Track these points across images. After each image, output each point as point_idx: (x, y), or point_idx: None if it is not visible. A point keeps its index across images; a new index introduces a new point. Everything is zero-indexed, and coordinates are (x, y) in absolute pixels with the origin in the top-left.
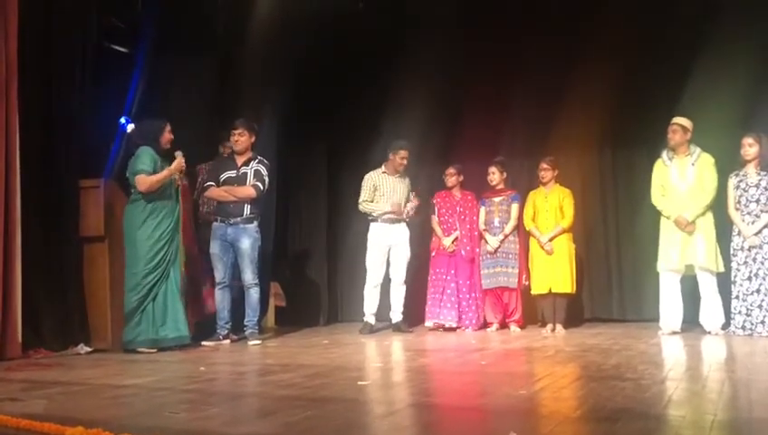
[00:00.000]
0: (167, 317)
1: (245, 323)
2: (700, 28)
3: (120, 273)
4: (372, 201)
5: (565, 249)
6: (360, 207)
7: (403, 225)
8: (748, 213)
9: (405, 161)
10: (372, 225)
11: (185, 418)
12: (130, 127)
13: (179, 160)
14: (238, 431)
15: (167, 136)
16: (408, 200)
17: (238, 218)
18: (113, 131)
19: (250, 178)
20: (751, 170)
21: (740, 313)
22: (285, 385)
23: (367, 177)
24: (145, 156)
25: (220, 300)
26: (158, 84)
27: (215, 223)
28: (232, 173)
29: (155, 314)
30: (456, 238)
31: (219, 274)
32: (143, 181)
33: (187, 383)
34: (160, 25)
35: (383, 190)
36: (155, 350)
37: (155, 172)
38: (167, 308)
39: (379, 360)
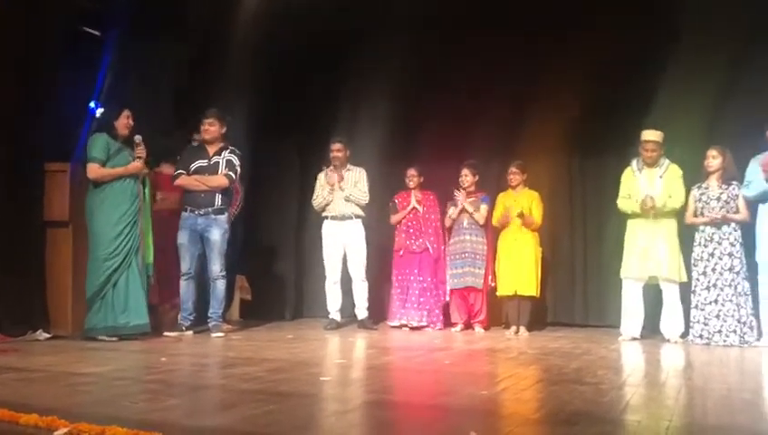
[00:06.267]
0: (128, 304)
1: (209, 315)
2: (669, 41)
3: (84, 259)
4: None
5: (532, 253)
6: (313, 204)
7: (357, 222)
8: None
9: (339, 154)
10: (324, 222)
11: (144, 408)
12: (99, 112)
13: (136, 164)
14: (198, 423)
15: (123, 122)
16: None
17: (209, 209)
18: (83, 115)
19: (222, 168)
20: (713, 183)
21: (698, 322)
22: (247, 379)
23: (318, 177)
24: (98, 143)
25: (185, 291)
26: (129, 70)
27: (183, 213)
28: (203, 162)
29: (115, 301)
30: (418, 201)
31: (185, 264)
32: (94, 171)
33: (148, 373)
34: (133, 10)
35: (325, 186)
36: (116, 338)
37: (108, 159)
38: (128, 295)
39: (342, 356)
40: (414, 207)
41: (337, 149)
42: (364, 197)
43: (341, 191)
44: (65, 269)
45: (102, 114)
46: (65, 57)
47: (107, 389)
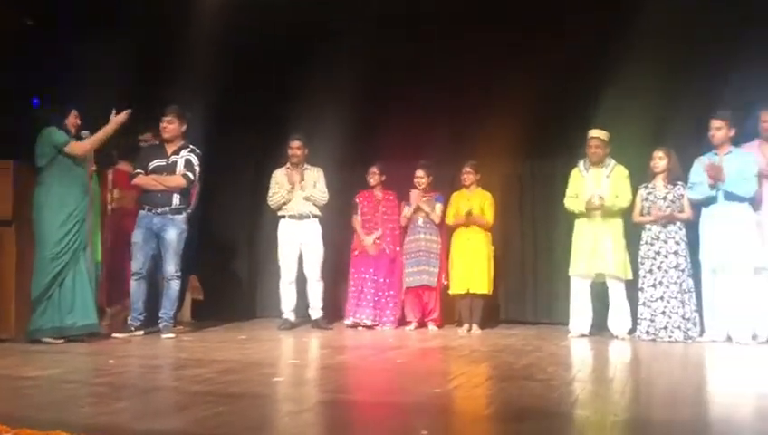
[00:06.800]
0: (75, 304)
1: (160, 316)
2: (615, 46)
3: (29, 259)
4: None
5: (484, 251)
6: (269, 202)
7: (314, 221)
8: (655, 224)
9: (298, 152)
10: (281, 221)
11: (91, 412)
12: (44, 108)
13: (120, 116)
14: (147, 426)
15: (71, 121)
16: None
17: (166, 208)
18: (25, 112)
19: (180, 168)
20: (659, 183)
21: (645, 318)
22: (198, 380)
23: (273, 174)
24: (56, 132)
25: (135, 291)
26: (79, 65)
27: (141, 211)
28: (161, 161)
29: (62, 301)
30: (378, 237)
31: (137, 264)
32: (78, 147)
33: (95, 376)
34: (82, 3)
35: (284, 184)
36: (62, 340)
37: (60, 153)
38: (75, 295)
39: (295, 356)
40: (369, 243)
41: (296, 147)
42: (323, 196)
43: (301, 191)
44: (9, 269)
45: (50, 112)
46: (9, 52)
47: (52, 392)
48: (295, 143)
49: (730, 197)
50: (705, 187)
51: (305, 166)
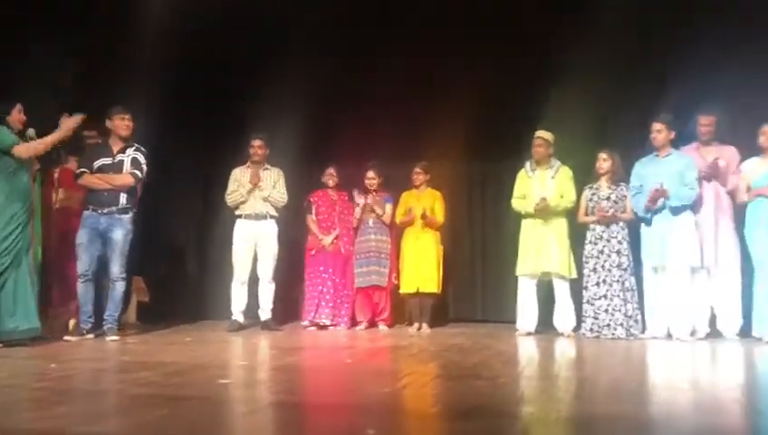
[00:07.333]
0: (17, 308)
1: (105, 318)
2: (562, 50)
3: None
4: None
5: (433, 250)
6: (227, 200)
7: (270, 221)
8: (599, 223)
9: (260, 151)
10: (238, 221)
11: (29, 417)
12: None
13: (71, 121)
14: (87, 431)
15: (15, 116)
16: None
17: (113, 208)
18: None
19: (127, 166)
20: (603, 184)
21: (589, 316)
22: (141, 383)
23: (233, 172)
24: (3, 131)
25: (83, 293)
26: (22, 64)
27: (86, 211)
28: (107, 160)
29: (2, 305)
30: (336, 236)
31: (83, 265)
32: (25, 150)
33: (36, 380)
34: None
35: (244, 182)
36: (1, 345)
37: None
38: (17, 298)
39: (243, 358)
40: (327, 243)
41: (258, 146)
42: (283, 198)
43: (260, 191)
44: None
45: None
46: None
47: None
48: (257, 142)
49: (675, 211)
50: (642, 208)
51: (265, 166)
